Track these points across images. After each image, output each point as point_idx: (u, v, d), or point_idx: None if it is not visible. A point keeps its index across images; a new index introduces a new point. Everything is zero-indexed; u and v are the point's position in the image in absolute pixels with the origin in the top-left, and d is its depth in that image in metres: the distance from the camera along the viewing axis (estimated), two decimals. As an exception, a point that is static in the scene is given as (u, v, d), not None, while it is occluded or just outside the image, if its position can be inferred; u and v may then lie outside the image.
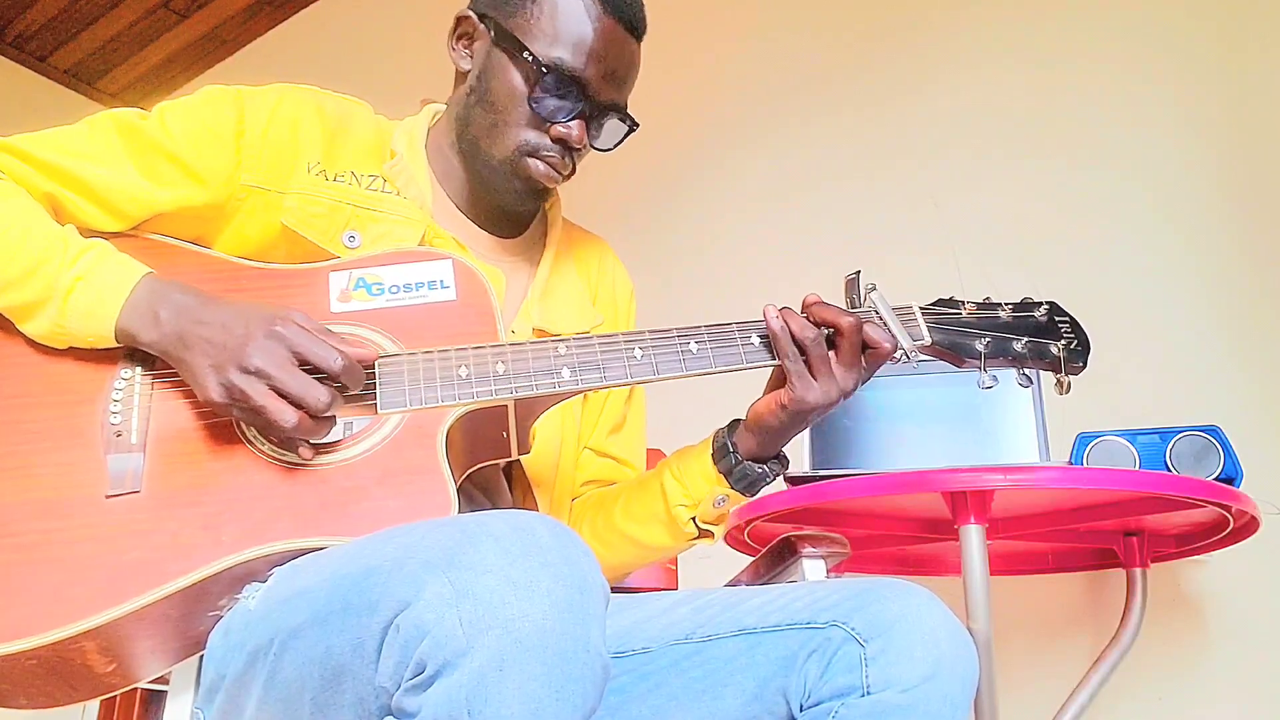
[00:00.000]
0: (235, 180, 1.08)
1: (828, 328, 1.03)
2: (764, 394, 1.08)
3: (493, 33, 1.12)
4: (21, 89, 3.98)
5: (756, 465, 1.09)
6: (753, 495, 1.12)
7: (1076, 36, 2.50)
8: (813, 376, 1.03)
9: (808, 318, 1.04)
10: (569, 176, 1.15)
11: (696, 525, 1.14)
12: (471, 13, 1.15)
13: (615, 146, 1.16)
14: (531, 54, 1.08)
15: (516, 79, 1.10)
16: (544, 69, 1.08)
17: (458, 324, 1.05)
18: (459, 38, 1.17)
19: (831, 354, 1.03)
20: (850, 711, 0.91)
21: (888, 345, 1.03)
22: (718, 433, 1.12)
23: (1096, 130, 2.41)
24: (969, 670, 0.92)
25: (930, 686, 0.90)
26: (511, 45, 1.10)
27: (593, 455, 1.27)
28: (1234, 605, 2.08)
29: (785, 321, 1.02)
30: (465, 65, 1.16)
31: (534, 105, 1.09)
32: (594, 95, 1.10)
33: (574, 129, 1.10)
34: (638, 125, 1.15)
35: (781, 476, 1.14)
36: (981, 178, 2.52)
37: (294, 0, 3.89)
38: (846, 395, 1.04)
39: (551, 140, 1.11)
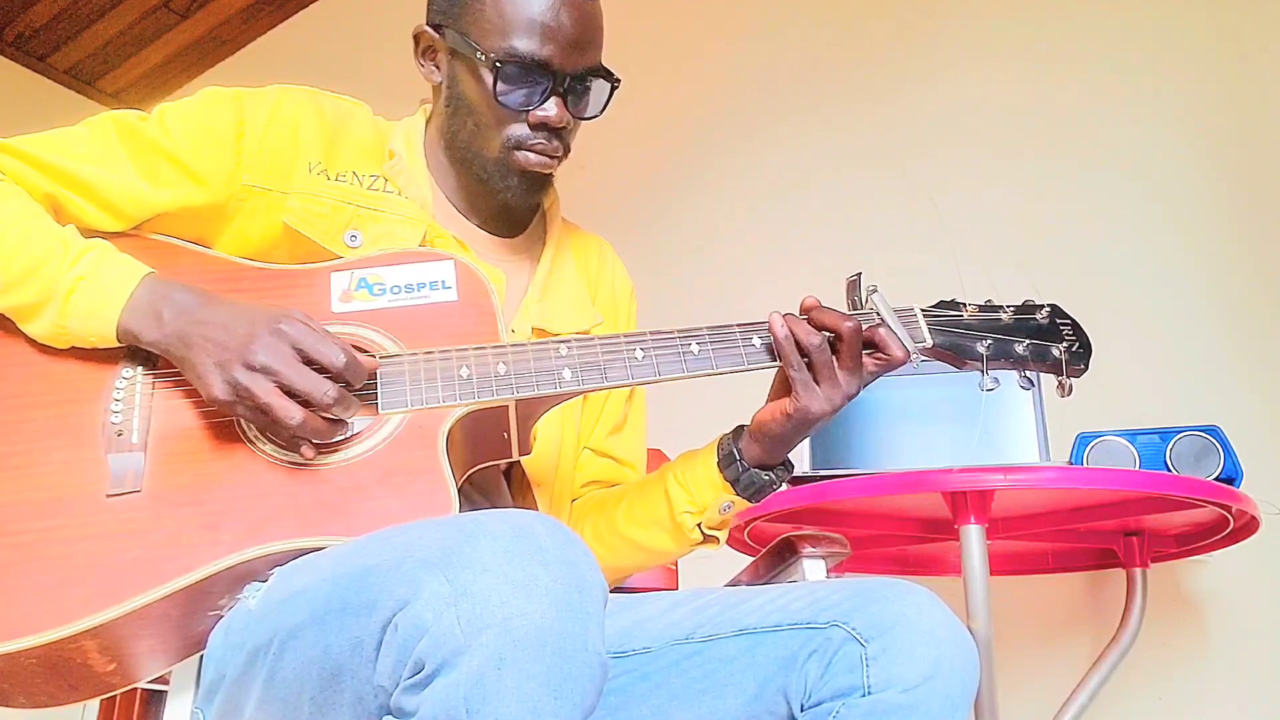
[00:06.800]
0: (236, 181, 1.08)
1: (829, 332, 1.03)
2: (768, 400, 1.08)
3: (448, 41, 1.12)
4: (21, 89, 3.97)
5: (763, 472, 1.09)
6: (759, 501, 1.12)
7: (1077, 36, 2.49)
8: (817, 384, 1.02)
9: (809, 322, 1.03)
10: (564, 157, 1.14)
11: (702, 531, 1.13)
12: (427, 27, 1.15)
13: (604, 110, 1.14)
14: (484, 51, 1.08)
15: (479, 80, 1.09)
16: (498, 63, 1.07)
17: (459, 324, 1.05)
18: (423, 54, 1.16)
19: (834, 359, 1.03)
20: (851, 711, 0.91)
21: (898, 352, 1.03)
22: (723, 439, 1.11)
23: (1096, 130, 2.41)
24: (969, 670, 0.93)
25: (931, 686, 0.90)
26: (466, 48, 1.09)
27: (593, 455, 1.26)
28: (1234, 605, 2.08)
29: (790, 329, 1.02)
30: (436, 79, 1.16)
31: (502, 101, 1.08)
32: (560, 69, 1.08)
33: (551, 110, 1.09)
34: (619, 81, 1.13)
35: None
36: (981, 177, 2.52)
37: (294, 0, 3.88)
38: (850, 399, 1.04)
39: (533, 128, 1.10)
